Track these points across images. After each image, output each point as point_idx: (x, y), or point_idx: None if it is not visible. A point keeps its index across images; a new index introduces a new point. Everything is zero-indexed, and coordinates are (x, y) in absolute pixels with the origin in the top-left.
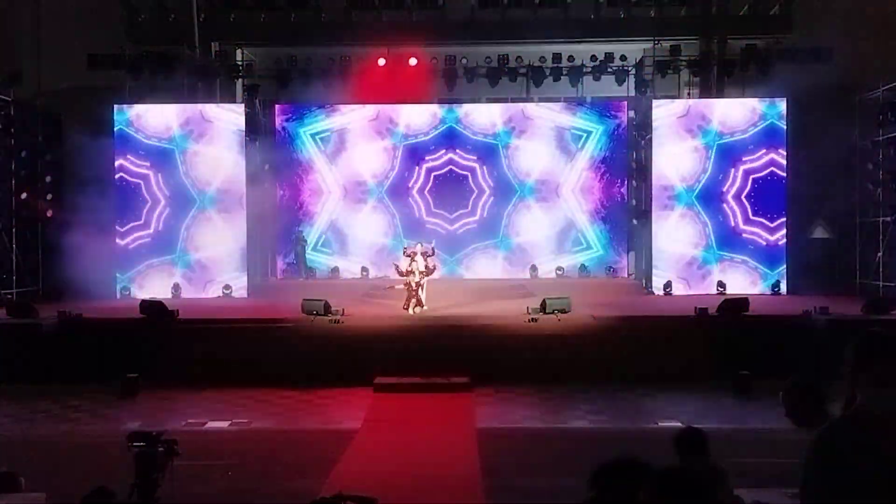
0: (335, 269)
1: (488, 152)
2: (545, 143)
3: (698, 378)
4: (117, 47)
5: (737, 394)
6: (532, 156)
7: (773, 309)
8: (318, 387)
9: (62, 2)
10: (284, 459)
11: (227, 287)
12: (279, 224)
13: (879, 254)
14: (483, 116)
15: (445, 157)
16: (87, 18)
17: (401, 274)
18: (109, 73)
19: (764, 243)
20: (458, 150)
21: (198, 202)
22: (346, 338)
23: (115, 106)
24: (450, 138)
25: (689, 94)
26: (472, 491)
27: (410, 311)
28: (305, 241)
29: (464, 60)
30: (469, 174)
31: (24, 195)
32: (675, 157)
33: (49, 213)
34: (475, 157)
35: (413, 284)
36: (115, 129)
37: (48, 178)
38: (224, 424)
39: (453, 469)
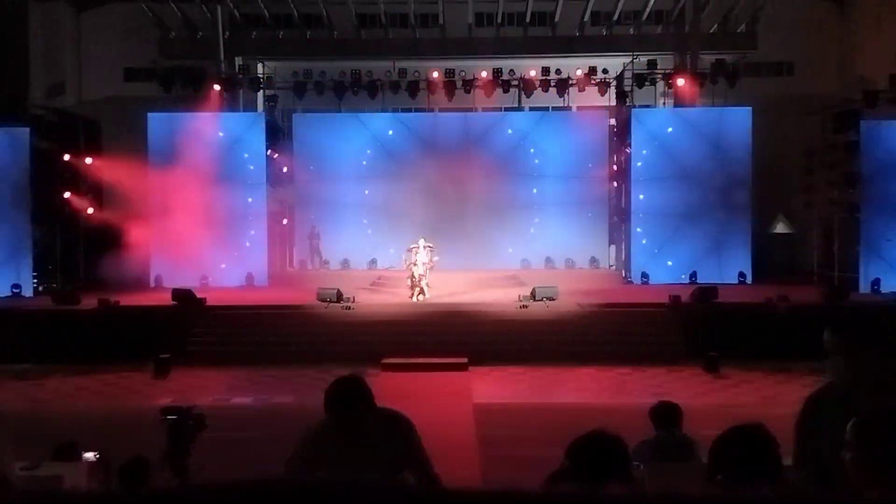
0: (346, 261)
1: None
2: None
3: (672, 358)
4: (151, 62)
5: (706, 372)
6: None
7: (740, 296)
8: (332, 366)
9: (101, 21)
10: None
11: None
12: (296, 219)
13: (835, 247)
14: None
15: None
16: (124, 36)
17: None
18: (144, 84)
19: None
20: None
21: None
22: (356, 322)
23: (149, 114)
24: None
25: (664, 103)
26: (470, 460)
27: (414, 299)
28: (319, 235)
29: (462, 73)
30: None
31: (67, 195)
32: (649, 160)
33: (90, 211)
34: None
35: (416, 276)
36: (149, 134)
37: (89, 180)
38: (247, 400)
39: (452, 440)
